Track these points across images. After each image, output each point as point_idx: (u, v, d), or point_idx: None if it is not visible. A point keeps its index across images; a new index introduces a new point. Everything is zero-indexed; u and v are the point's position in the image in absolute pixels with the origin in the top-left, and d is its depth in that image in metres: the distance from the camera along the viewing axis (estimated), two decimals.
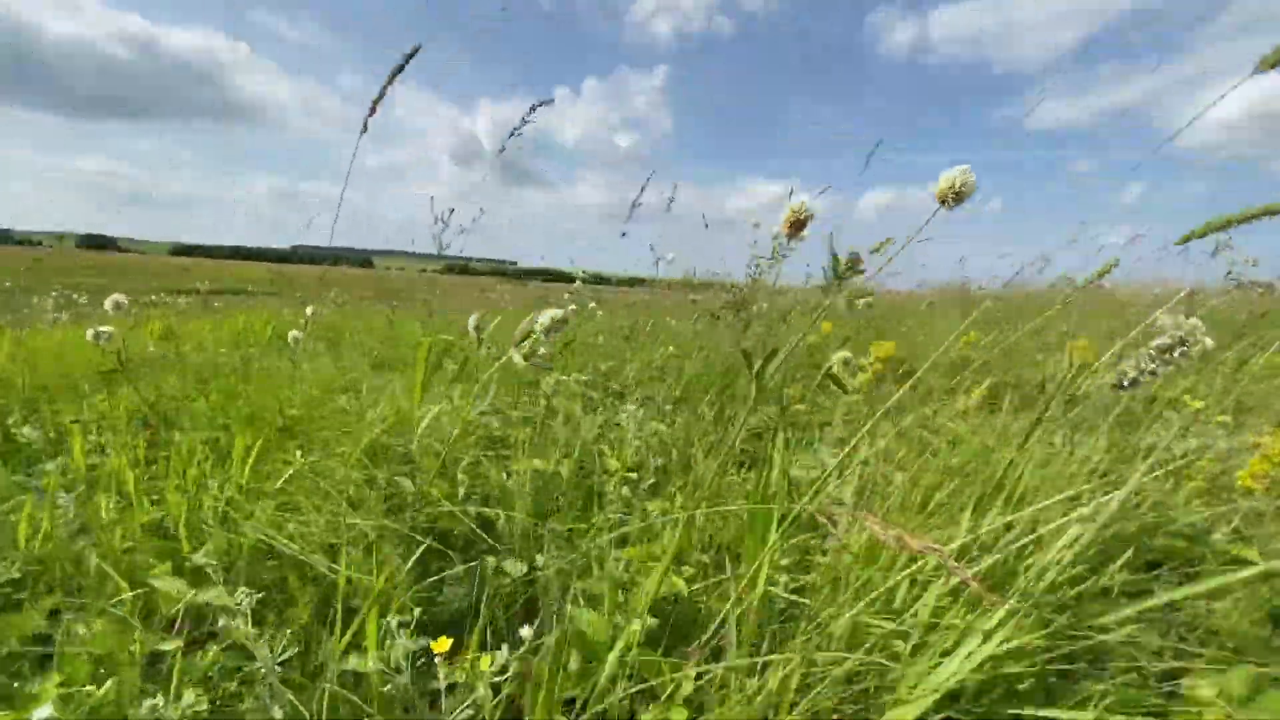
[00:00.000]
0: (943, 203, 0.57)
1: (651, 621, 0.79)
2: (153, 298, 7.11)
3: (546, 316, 0.85)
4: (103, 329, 1.74)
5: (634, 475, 1.28)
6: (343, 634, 0.72)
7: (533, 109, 1.06)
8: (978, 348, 2.77)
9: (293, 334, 1.69)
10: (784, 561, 0.90)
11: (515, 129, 1.06)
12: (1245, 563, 0.68)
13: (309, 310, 1.76)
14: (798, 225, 0.65)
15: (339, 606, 0.77)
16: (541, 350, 0.85)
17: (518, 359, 0.86)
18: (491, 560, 0.93)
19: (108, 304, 2.09)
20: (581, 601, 0.77)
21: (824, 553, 0.88)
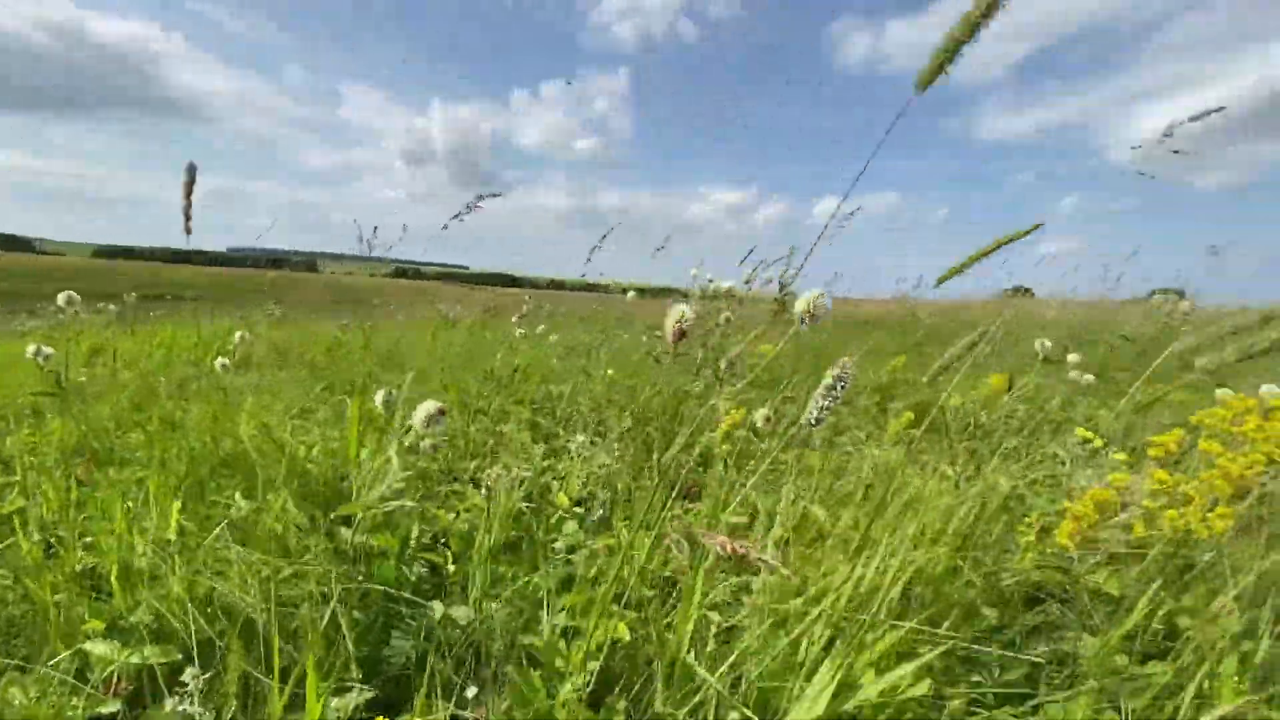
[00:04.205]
0: (801, 321, 0.65)
1: (593, 665, 0.83)
2: (76, 310, 6.68)
3: (423, 412, 0.90)
4: (45, 349, 1.67)
5: (580, 510, 1.32)
6: (281, 693, 0.74)
7: (480, 198, 1.10)
8: (907, 365, 2.93)
9: (220, 361, 1.67)
10: (721, 599, 0.96)
11: (459, 213, 1.09)
12: (1109, 595, 0.77)
13: (238, 335, 1.73)
14: (681, 334, 0.71)
15: (278, 666, 0.78)
16: (426, 443, 0.90)
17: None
18: (439, 607, 0.96)
19: (61, 299, 2.01)
20: (523, 655, 0.80)
21: (749, 591, 0.94)
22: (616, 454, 1.63)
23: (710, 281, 3.21)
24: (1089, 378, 2.04)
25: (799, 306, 0.64)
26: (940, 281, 0.67)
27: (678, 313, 0.71)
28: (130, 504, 1.29)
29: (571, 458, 1.66)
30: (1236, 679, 0.61)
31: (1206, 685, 0.63)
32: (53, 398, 1.68)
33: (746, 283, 2.75)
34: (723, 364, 1.15)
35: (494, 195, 1.13)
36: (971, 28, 0.55)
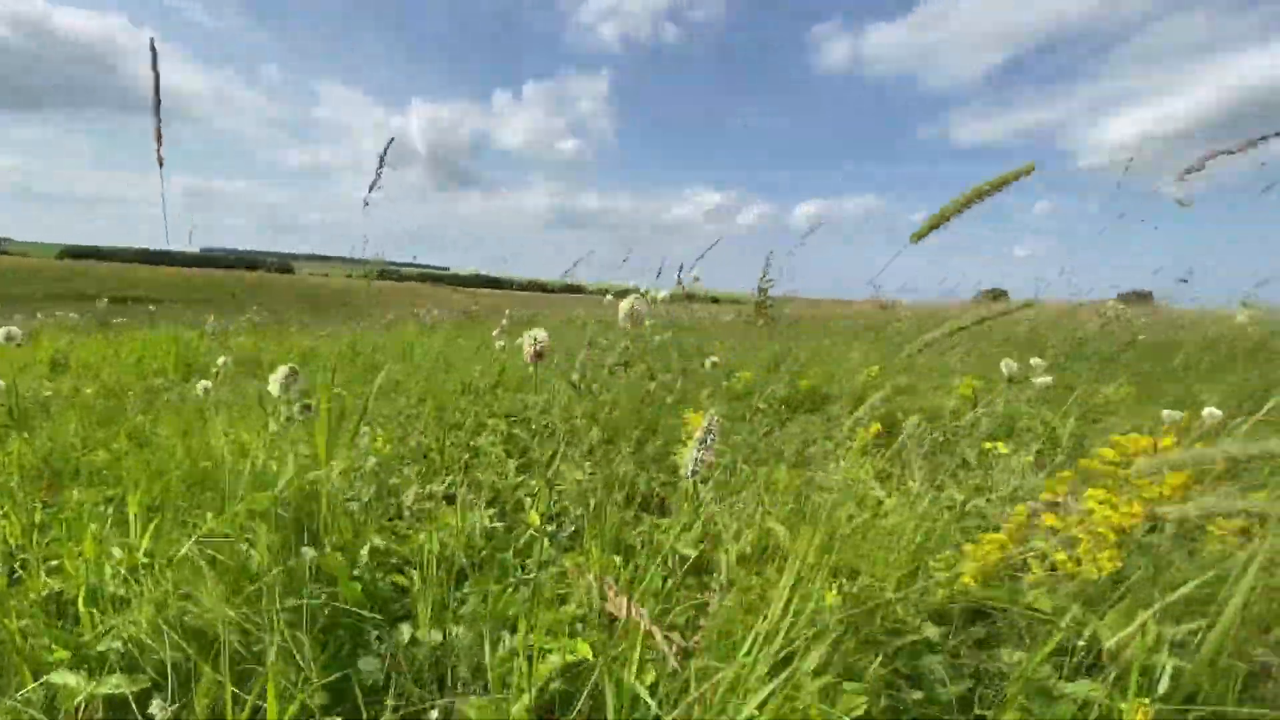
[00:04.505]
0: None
1: (555, 686, 0.86)
2: (39, 316, 6.54)
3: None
4: None
5: (551, 527, 1.34)
6: None
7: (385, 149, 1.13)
8: (884, 373, 3.00)
9: (202, 384, 1.65)
10: (680, 620, 1.00)
11: (374, 181, 1.11)
12: (1043, 613, 0.82)
13: (221, 361, 1.72)
14: (539, 355, 0.77)
15: (249, 692, 0.80)
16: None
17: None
18: (407, 629, 0.98)
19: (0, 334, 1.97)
20: (486, 676, 0.83)
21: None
22: (589, 470, 1.66)
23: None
24: (1047, 380, 2.12)
25: (622, 309, 0.69)
26: (917, 237, 0.68)
27: (531, 337, 0.77)
28: (96, 526, 1.28)
29: (544, 472, 1.69)
30: (1143, 695, 0.66)
31: (1119, 702, 0.68)
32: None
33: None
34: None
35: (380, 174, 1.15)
36: (963, 205, 0.60)
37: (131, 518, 1.28)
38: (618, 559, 1.28)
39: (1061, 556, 0.72)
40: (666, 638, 0.63)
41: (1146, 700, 0.63)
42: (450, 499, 1.69)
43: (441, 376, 2.93)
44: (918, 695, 0.80)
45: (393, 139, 1.12)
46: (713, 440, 0.64)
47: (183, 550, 1.05)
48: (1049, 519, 0.74)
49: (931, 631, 0.83)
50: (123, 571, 1.03)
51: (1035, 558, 0.75)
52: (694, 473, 0.65)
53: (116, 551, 1.20)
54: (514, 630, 0.96)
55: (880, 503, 1.24)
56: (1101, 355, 3.46)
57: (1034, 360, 2.24)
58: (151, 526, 1.23)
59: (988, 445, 1.83)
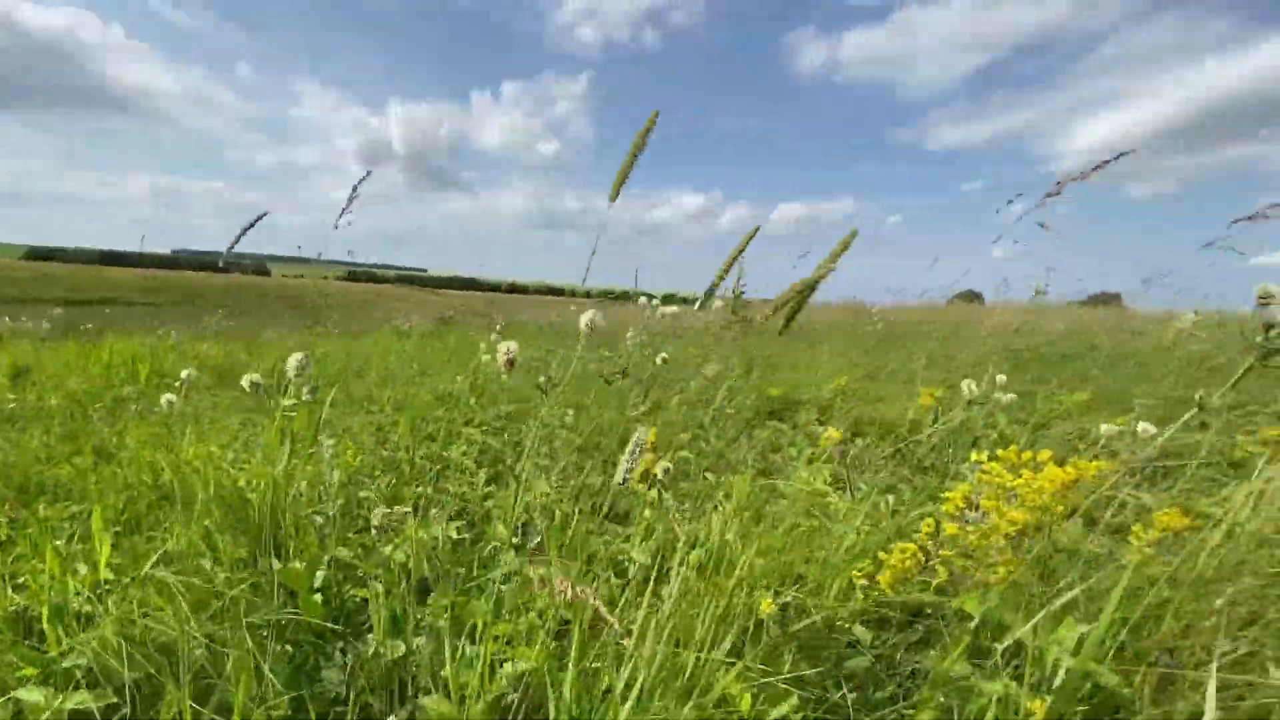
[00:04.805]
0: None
1: (511, 695, 0.91)
2: (6, 319, 6.39)
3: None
4: None
5: (517, 540, 1.38)
6: None
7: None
8: (855, 379, 3.08)
9: (166, 398, 1.66)
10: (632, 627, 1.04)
11: (345, 208, 1.16)
12: (969, 616, 0.89)
13: (185, 374, 1.72)
14: (511, 363, 0.84)
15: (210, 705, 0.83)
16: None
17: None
18: (371, 640, 1.01)
19: None
20: (445, 686, 0.87)
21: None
22: (557, 482, 1.70)
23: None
24: (1010, 396, 2.20)
25: (582, 321, 0.75)
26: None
27: (505, 348, 0.83)
28: (60, 542, 1.29)
29: (515, 483, 1.72)
30: (1043, 691, 0.72)
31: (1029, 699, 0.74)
32: None
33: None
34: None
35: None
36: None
37: (96, 533, 1.29)
38: (580, 567, 1.32)
39: (964, 563, 0.78)
40: (610, 617, 0.68)
41: (1040, 698, 0.69)
42: (419, 510, 1.72)
43: (414, 387, 2.95)
44: (852, 696, 0.86)
45: (369, 172, 1.17)
46: (639, 453, 0.70)
47: (146, 567, 1.07)
48: (950, 528, 0.80)
49: (862, 634, 0.88)
50: (85, 590, 1.04)
51: (942, 564, 0.81)
52: (624, 482, 0.71)
53: (81, 568, 1.21)
54: (475, 640, 1.00)
55: (828, 509, 1.30)
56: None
57: (999, 377, 2.33)
58: (117, 542, 1.25)
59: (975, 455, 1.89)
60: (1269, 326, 0.86)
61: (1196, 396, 1.06)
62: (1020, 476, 0.76)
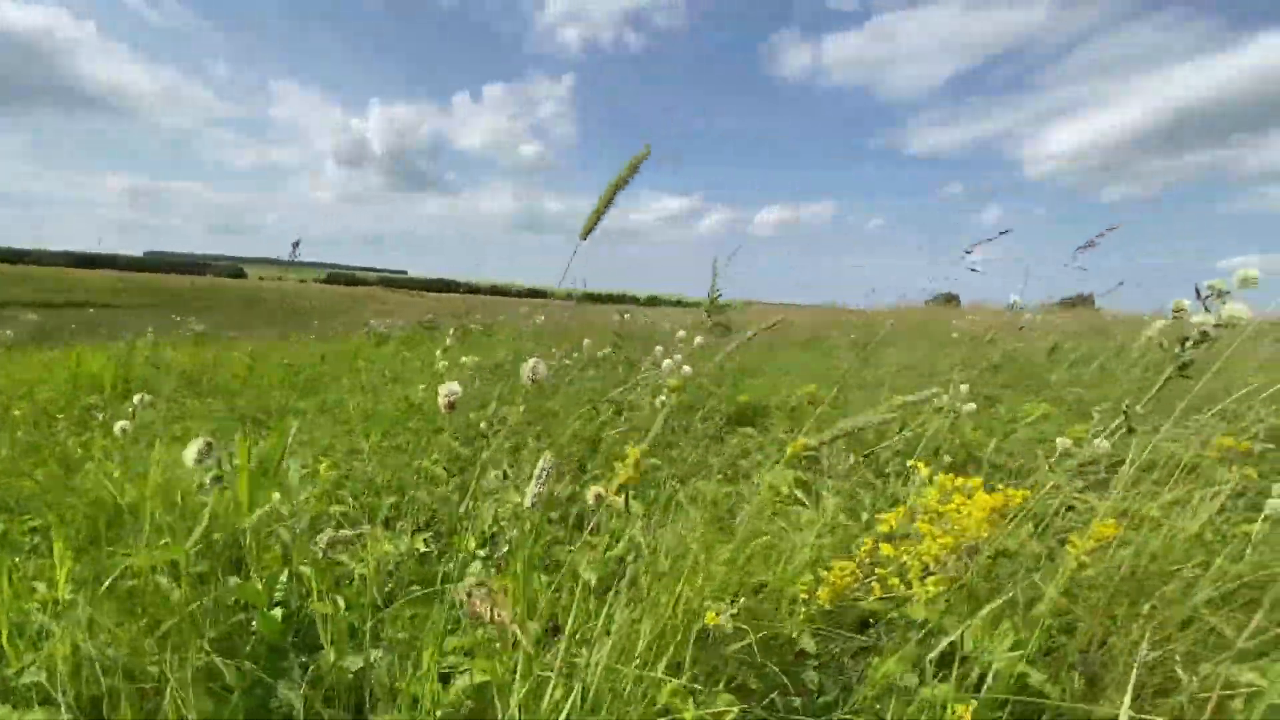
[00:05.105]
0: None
1: (467, 705, 0.93)
2: None
3: (193, 449, 0.99)
4: None
5: (483, 553, 1.40)
6: None
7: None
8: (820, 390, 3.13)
9: (120, 425, 1.65)
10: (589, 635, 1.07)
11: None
12: (915, 623, 0.92)
13: (137, 399, 1.70)
14: (451, 406, 0.87)
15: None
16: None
17: None
18: (330, 655, 1.03)
19: None
20: (402, 700, 0.88)
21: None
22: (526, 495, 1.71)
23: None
24: (971, 406, 2.24)
25: (523, 371, 0.78)
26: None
27: (446, 390, 0.86)
28: (18, 560, 1.28)
29: (484, 494, 1.74)
30: (976, 693, 0.76)
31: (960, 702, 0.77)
32: None
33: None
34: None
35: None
36: (609, 197, 0.73)
37: (58, 553, 1.28)
38: (545, 578, 1.34)
39: (895, 581, 0.82)
40: (525, 641, 0.71)
41: (966, 703, 0.73)
42: (389, 523, 1.73)
43: (386, 395, 2.94)
44: (797, 702, 0.89)
45: (299, 240, 1.18)
46: (548, 477, 0.73)
47: (104, 585, 1.07)
48: (885, 549, 0.84)
49: (809, 645, 0.92)
50: (42, 612, 1.05)
51: (878, 582, 0.84)
52: (533, 505, 0.74)
53: (41, 585, 1.21)
54: (430, 652, 1.02)
55: (789, 517, 1.34)
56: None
57: (963, 386, 2.38)
58: (78, 556, 1.24)
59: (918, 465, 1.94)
60: (1183, 340, 0.90)
61: (1124, 405, 1.11)
62: (952, 502, 0.80)
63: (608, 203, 0.80)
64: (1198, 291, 1.07)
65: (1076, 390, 2.93)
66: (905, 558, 0.82)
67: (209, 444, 0.93)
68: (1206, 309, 1.05)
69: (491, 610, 0.62)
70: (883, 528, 0.87)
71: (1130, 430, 1.10)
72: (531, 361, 0.87)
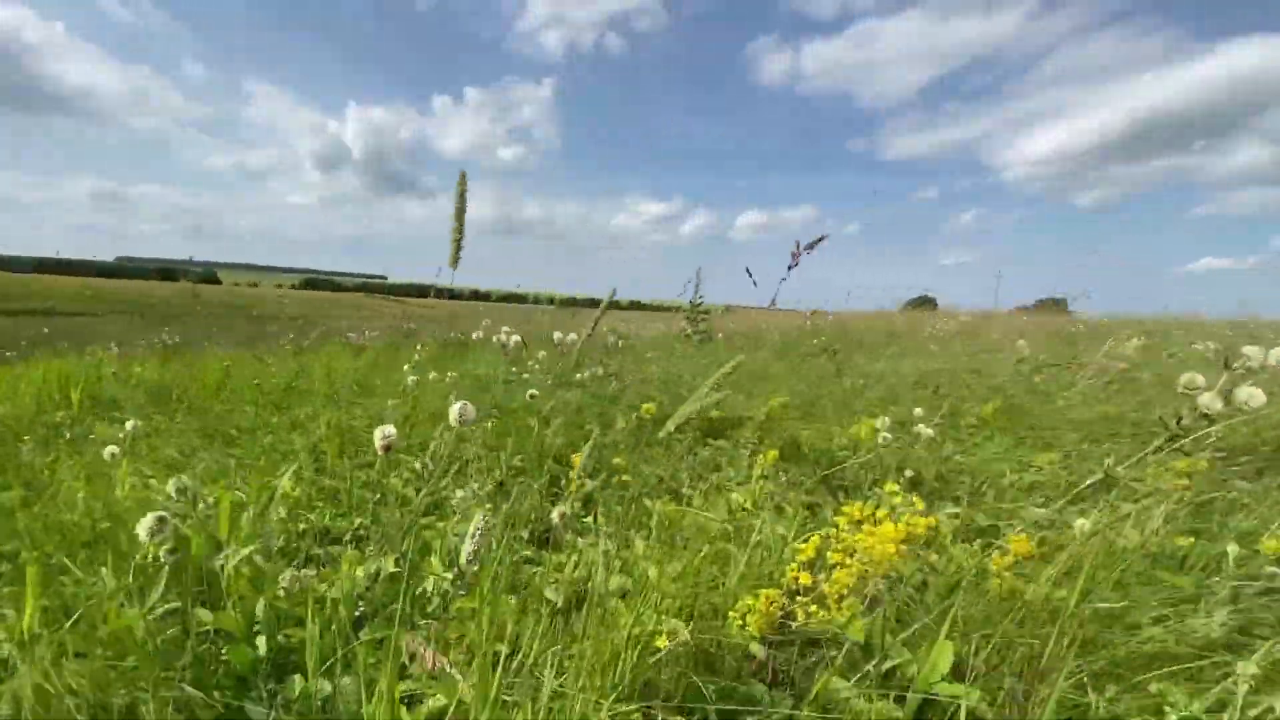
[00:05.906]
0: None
1: None
2: None
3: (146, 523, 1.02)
4: None
5: (449, 576, 1.43)
6: None
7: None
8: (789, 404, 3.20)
9: (109, 450, 1.65)
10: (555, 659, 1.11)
11: None
12: (873, 648, 0.98)
13: (129, 425, 1.72)
14: (387, 448, 0.93)
15: None
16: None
17: None
18: (297, 682, 1.06)
19: None
20: None
21: None
22: (493, 510, 1.75)
23: None
24: (929, 432, 2.32)
25: (452, 414, 0.84)
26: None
27: (381, 433, 0.91)
28: None
29: (454, 512, 1.77)
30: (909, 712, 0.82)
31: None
32: None
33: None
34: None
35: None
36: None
37: (30, 583, 1.29)
38: (512, 600, 1.38)
39: (815, 609, 0.88)
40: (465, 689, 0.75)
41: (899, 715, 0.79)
42: (357, 542, 1.75)
43: (359, 410, 2.95)
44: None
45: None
46: (481, 537, 0.78)
47: (75, 616, 1.09)
48: (803, 577, 0.89)
49: (759, 650, 0.97)
50: (9, 645, 1.06)
51: (801, 609, 0.90)
52: (470, 562, 0.79)
53: (9, 612, 1.21)
54: (402, 678, 1.05)
55: (744, 535, 1.40)
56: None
57: (916, 410, 2.46)
58: (48, 583, 1.25)
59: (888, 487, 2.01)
60: (1191, 411, 0.98)
61: (1106, 463, 1.18)
62: (861, 531, 0.86)
63: (460, 229, 0.86)
64: None
65: (1042, 411, 3.04)
66: (824, 586, 0.88)
67: (161, 519, 0.95)
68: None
69: (435, 660, 0.66)
70: (801, 557, 0.92)
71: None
72: (458, 405, 0.92)
